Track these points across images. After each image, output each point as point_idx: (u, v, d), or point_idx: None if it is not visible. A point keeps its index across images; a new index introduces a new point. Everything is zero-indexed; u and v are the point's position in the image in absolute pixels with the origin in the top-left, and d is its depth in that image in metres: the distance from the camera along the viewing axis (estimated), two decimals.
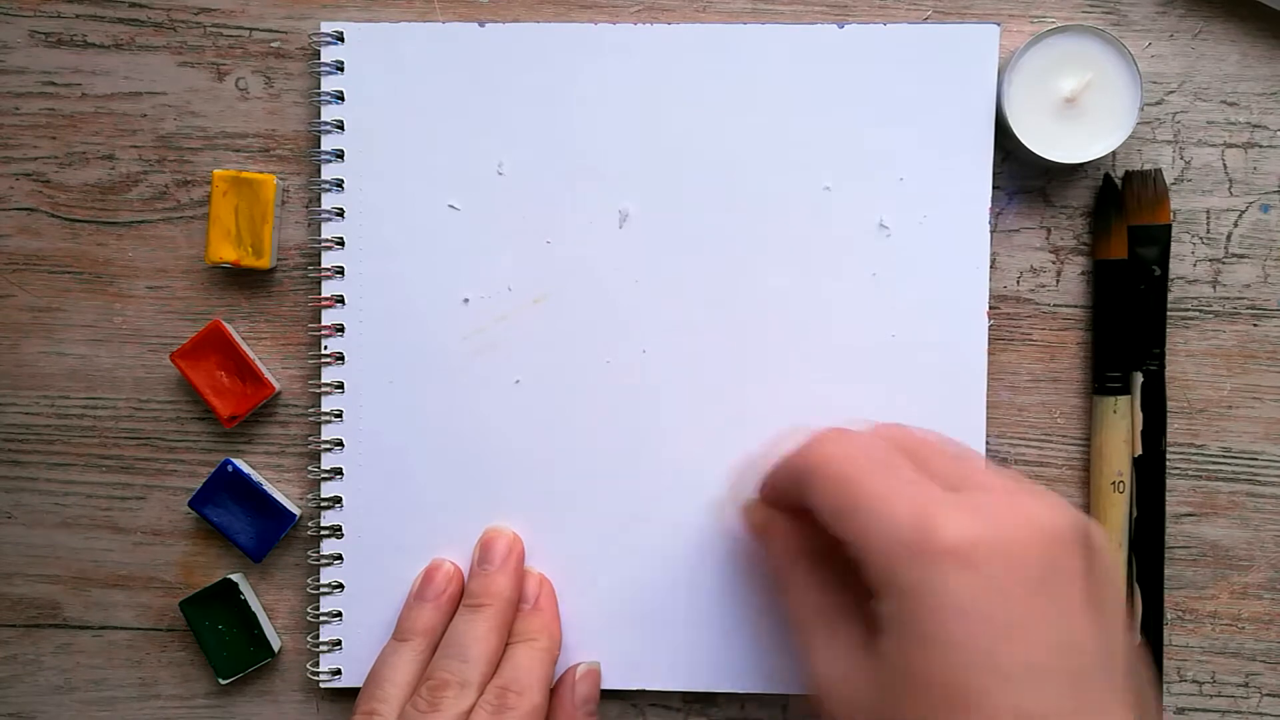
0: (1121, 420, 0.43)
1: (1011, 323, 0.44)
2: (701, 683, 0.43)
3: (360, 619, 0.44)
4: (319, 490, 0.44)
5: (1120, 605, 0.33)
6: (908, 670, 0.31)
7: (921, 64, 0.42)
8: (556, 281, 0.43)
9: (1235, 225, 0.43)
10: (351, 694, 0.44)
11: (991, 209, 0.43)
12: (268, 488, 0.44)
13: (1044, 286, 0.44)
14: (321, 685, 0.44)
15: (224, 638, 0.44)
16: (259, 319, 0.45)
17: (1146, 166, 0.43)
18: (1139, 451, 0.43)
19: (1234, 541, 0.44)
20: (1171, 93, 0.43)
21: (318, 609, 0.44)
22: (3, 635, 0.45)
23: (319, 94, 0.43)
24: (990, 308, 0.43)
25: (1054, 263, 0.44)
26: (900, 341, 0.43)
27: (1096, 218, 0.43)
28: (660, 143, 0.43)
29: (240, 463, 0.44)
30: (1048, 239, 0.44)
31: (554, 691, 0.42)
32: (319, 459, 0.44)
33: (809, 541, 0.37)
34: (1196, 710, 0.44)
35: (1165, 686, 0.44)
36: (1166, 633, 0.44)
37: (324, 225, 0.44)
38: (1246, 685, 0.44)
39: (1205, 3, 0.43)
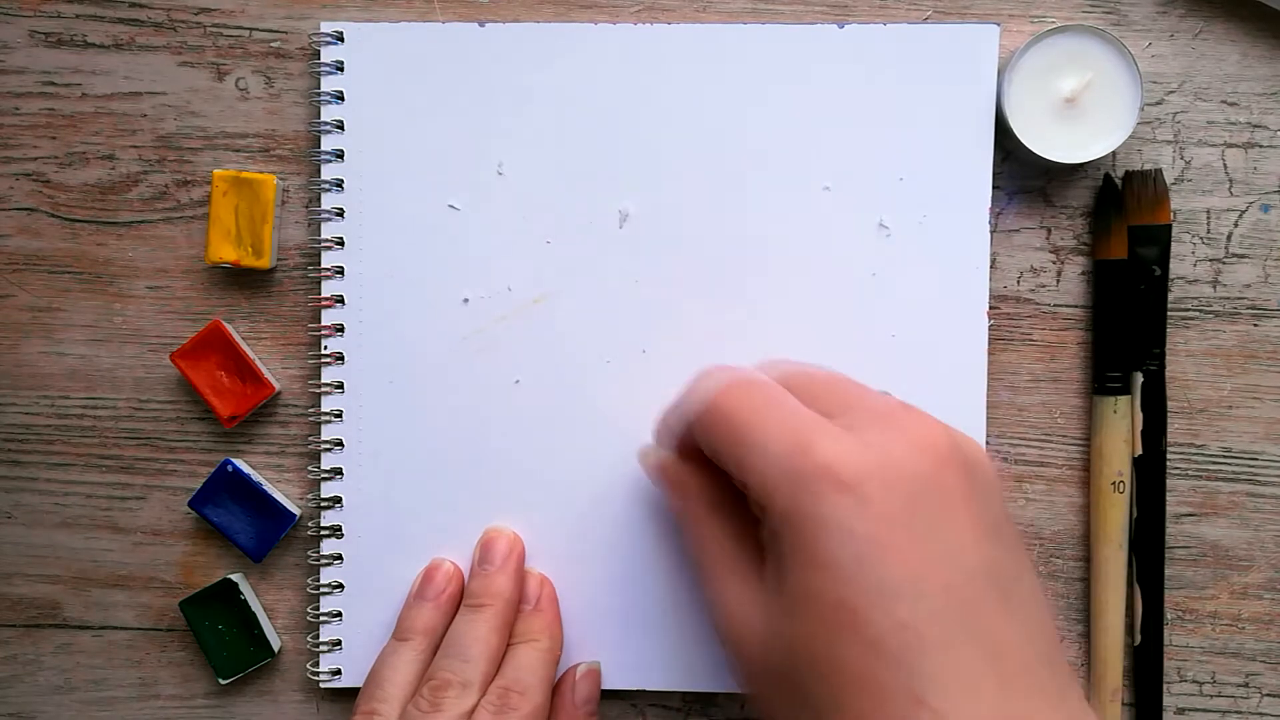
0: (1122, 420, 0.43)
1: (1011, 323, 0.44)
2: (701, 683, 0.43)
3: (360, 619, 0.44)
4: (319, 490, 0.44)
5: (1008, 522, 0.33)
6: (793, 593, 0.31)
7: (921, 64, 0.42)
8: (556, 281, 0.43)
9: (1235, 225, 0.43)
10: (351, 694, 0.44)
11: (991, 209, 0.43)
12: (268, 488, 0.44)
13: (1044, 286, 0.44)
14: (321, 685, 0.44)
15: (224, 638, 0.44)
16: (259, 319, 0.45)
17: (1146, 166, 0.43)
18: (1139, 451, 0.43)
19: (1234, 541, 0.44)
20: (1171, 93, 0.43)
21: (318, 609, 0.44)
22: (3, 635, 0.45)
23: (319, 94, 0.43)
24: (990, 308, 0.43)
25: (1054, 263, 0.44)
26: (900, 341, 0.43)
27: (1096, 218, 0.43)
28: (660, 143, 0.43)
29: (240, 463, 0.44)
30: (1048, 239, 0.44)
31: (555, 691, 0.42)
32: (319, 459, 0.44)
33: (713, 488, 0.37)
34: (1196, 710, 0.44)
35: (1165, 686, 0.44)
36: (1166, 633, 0.44)
37: (324, 225, 0.44)
38: (1246, 685, 0.44)
39: (1205, 3, 0.43)
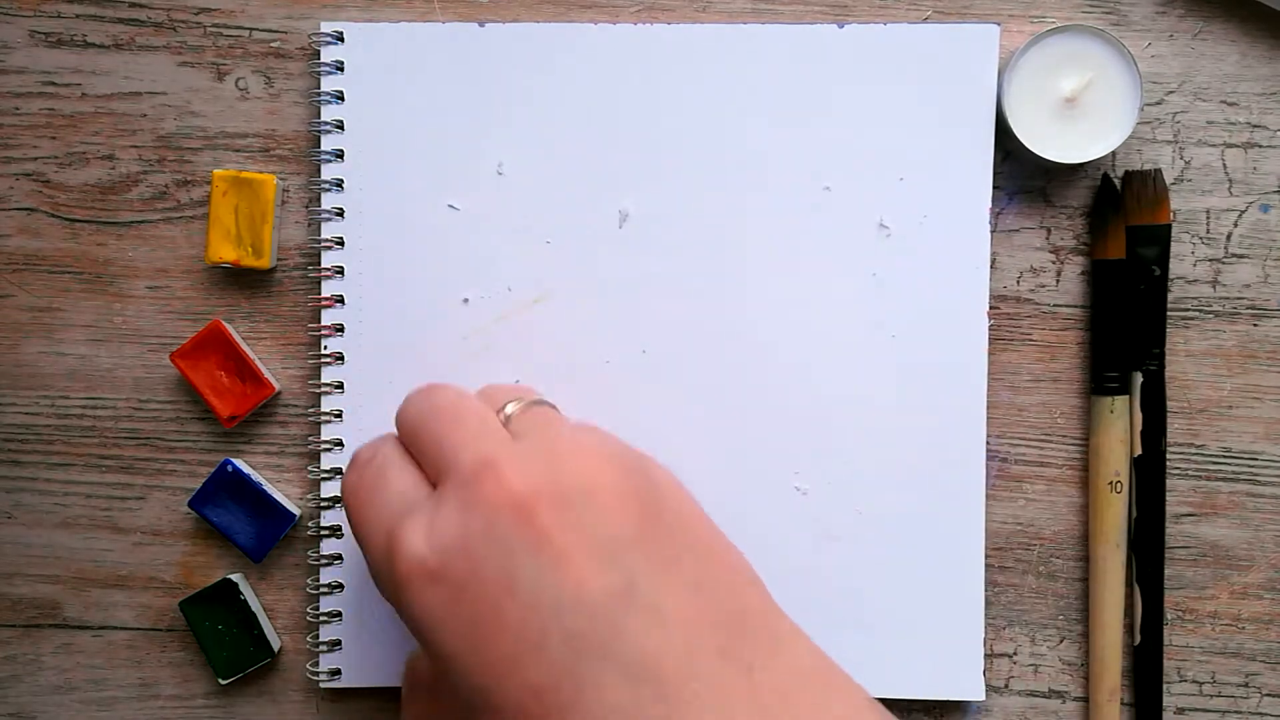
0: (1119, 420, 0.43)
1: (1011, 323, 0.44)
2: None
3: (360, 619, 0.44)
4: (319, 490, 0.44)
5: (648, 522, 0.31)
6: (435, 688, 0.32)
7: (921, 64, 0.42)
8: (556, 281, 0.43)
9: (1235, 225, 0.43)
10: (351, 694, 0.44)
11: (991, 209, 0.43)
12: (268, 488, 0.44)
13: (1044, 286, 0.44)
14: (321, 685, 0.44)
15: (224, 638, 0.44)
16: (259, 319, 0.45)
17: (1146, 166, 0.43)
18: (1139, 452, 0.43)
19: (1234, 541, 0.44)
20: (1171, 93, 0.43)
21: (318, 609, 0.44)
22: (3, 635, 0.45)
23: (319, 94, 0.43)
24: (990, 308, 0.43)
25: (1054, 263, 0.44)
26: (900, 341, 0.43)
27: (1096, 218, 0.43)
28: (660, 143, 0.43)
29: (240, 463, 0.44)
30: (1048, 239, 0.44)
31: None
32: (319, 459, 0.44)
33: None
34: (1196, 710, 0.44)
35: (1165, 686, 0.44)
36: (1166, 633, 0.44)
37: (324, 225, 0.44)
38: (1246, 685, 0.44)
39: (1205, 3, 0.43)
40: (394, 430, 0.36)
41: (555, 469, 0.31)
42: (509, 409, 0.35)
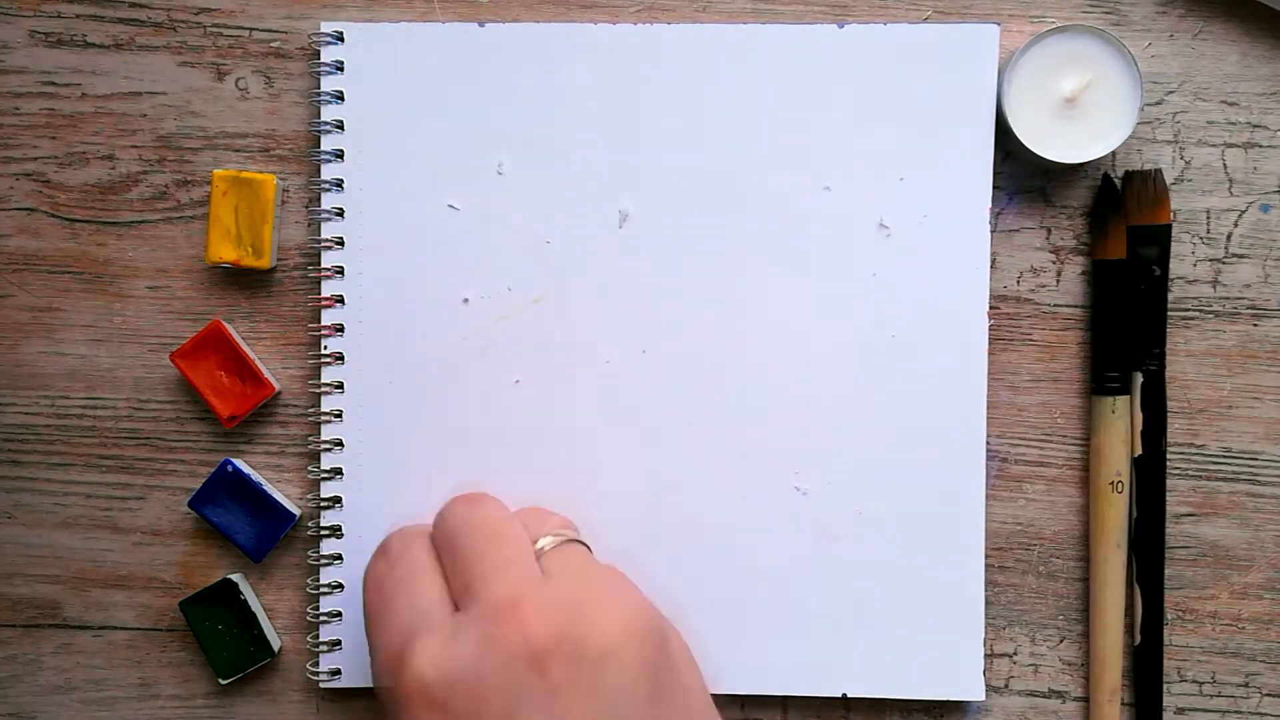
0: (1120, 420, 0.43)
1: (1011, 323, 0.44)
2: None
3: (360, 619, 0.43)
4: (319, 490, 0.44)
5: (654, 688, 0.31)
6: None
7: (921, 64, 0.42)
8: (556, 281, 0.43)
9: (1235, 225, 0.43)
10: (351, 694, 0.44)
11: (991, 209, 0.43)
12: (268, 488, 0.44)
13: (1044, 286, 0.44)
14: (321, 685, 0.44)
15: (224, 638, 0.44)
16: (259, 319, 0.45)
17: (1146, 166, 0.43)
18: (1139, 451, 0.43)
19: (1234, 541, 0.44)
20: (1171, 93, 0.43)
21: (318, 609, 0.44)
22: (3, 635, 0.45)
23: (319, 94, 0.43)
24: (990, 308, 0.43)
25: (1054, 263, 0.44)
26: (900, 341, 0.43)
27: (1096, 218, 0.43)
28: (660, 143, 0.43)
29: (240, 463, 0.44)
30: (1048, 239, 0.44)
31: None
32: (319, 459, 0.44)
33: None
34: (1196, 710, 0.44)
35: (1165, 686, 0.44)
36: (1166, 633, 0.44)
37: (324, 225, 0.44)
38: (1246, 685, 0.44)
39: (1205, 3, 0.43)
40: (428, 526, 0.36)
41: (577, 624, 0.31)
42: (543, 544, 0.35)
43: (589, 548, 0.37)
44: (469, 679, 0.30)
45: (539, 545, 0.35)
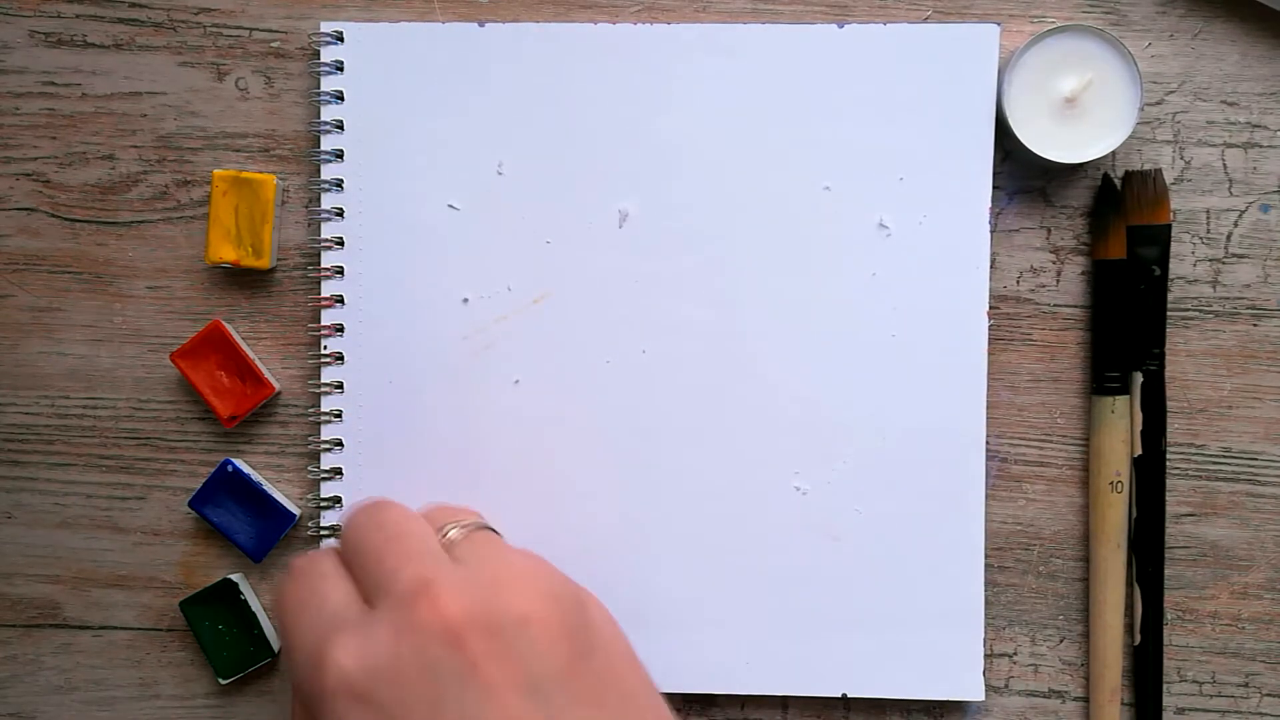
0: (1120, 420, 0.43)
1: (1011, 323, 0.44)
2: (701, 683, 0.43)
3: None
4: (319, 490, 0.44)
5: (579, 657, 0.31)
6: None
7: (921, 64, 0.42)
8: (556, 281, 0.43)
9: (1235, 225, 0.43)
10: None
11: (991, 209, 0.43)
12: (268, 488, 0.44)
13: (1044, 286, 0.44)
14: None
15: (224, 638, 0.44)
16: (259, 319, 0.45)
17: (1146, 166, 0.43)
18: (1139, 451, 0.43)
19: (1234, 541, 0.44)
20: (1171, 93, 0.43)
21: None
22: (3, 635, 0.45)
23: (319, 94, 0.43)
24: (990, 308, 0.43)
25: (1054, 263, 0.44)
26: (900, 341, 0.43)
27: (1095, 218, 0.43)
28: (660, 143, 0.43)
29: (240, 463, 0.44)
30: (1048, 239, 0.44)
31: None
32: (319, 459, 0.44)
33: None
34: (1196, 710, 0.44)
35: (1165, 686, 0.44)
36: (1166, 633, 0.44)
37: (324, 225, 0.44)
38: (1246, 685, 0.44)
39: (1205, 3, 0.43)
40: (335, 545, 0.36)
41: (491, 597, 0.31)
42: (451, 533, 0.35)
43: (498, 533, 0.37)
44: (389, 666, 0.30)
45: (447, 536, 0.35)
